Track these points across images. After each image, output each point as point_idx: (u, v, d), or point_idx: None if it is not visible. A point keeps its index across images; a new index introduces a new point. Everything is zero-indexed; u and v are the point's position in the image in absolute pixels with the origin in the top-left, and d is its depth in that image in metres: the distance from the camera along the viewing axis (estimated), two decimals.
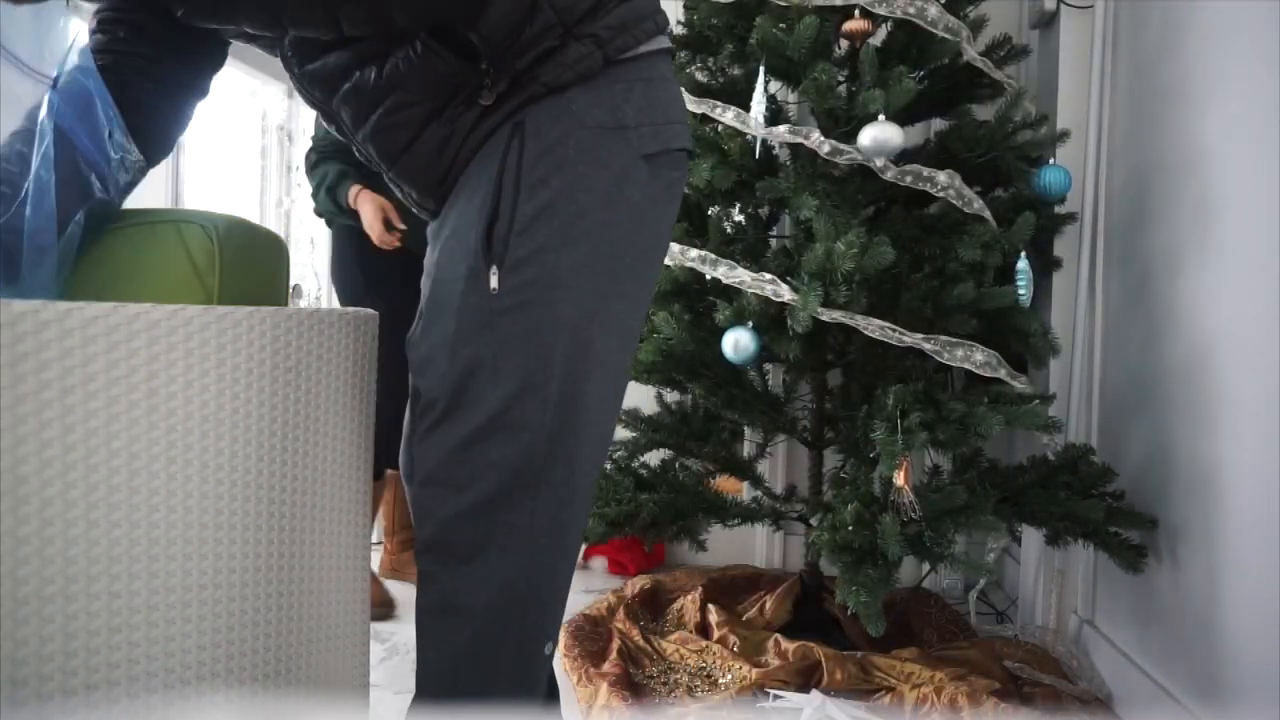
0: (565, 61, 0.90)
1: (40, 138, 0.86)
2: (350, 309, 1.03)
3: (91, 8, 1.01)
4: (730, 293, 1.74)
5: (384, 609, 2.14)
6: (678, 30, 2.03)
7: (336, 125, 1.01)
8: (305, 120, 2.95)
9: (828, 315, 1.65)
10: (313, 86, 0.97)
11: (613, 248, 0.92)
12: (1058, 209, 1.92)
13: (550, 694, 1.03)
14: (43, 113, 0.87)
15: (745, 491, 2.33)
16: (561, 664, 1.81)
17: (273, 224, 3.03)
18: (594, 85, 0.92)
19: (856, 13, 1.74)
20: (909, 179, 1.73)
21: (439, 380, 0.91)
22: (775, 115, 1.86)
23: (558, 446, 0.91)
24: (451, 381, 0.90)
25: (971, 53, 1.82)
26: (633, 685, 1.69)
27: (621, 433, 2.10)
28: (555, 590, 0.95)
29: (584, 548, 2.47)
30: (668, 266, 1.85)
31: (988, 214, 1.75)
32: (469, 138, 0.93)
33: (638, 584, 2.21)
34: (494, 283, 0.89)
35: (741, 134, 1.81)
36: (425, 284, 0.96)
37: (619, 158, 0.92)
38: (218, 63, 1.08)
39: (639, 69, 0.95)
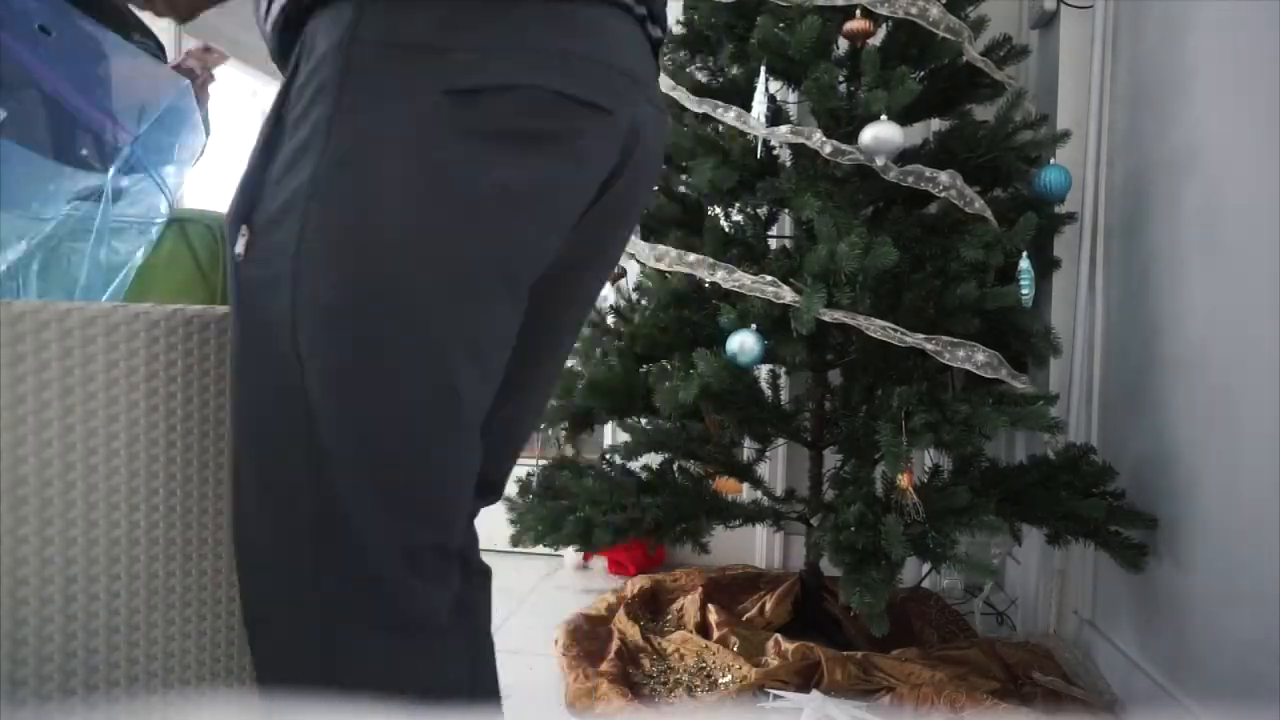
0: None
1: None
2: None
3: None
4: (733, 295, 1.74)
5: None
6: (677, 30, 2.03)
7: None
8: None
9: (829, 316, 1.64)
10: None
11: (380, 218, 0.65)
12: (1058, 209, 1.91)
13: None
14: (112, 170, 0.88)
15: (745, 492, 2.33)
16: (560, 663, 1.81)
17: None
18: None
19: (858, 13, 1.73)
20: (911, 179, 1.72)
21: None
22: (776, 115, 1.86)
23: None
24: None
25: (972, 53, 1.82)
26: (632, 685, 1.69)
27: (620, 434, 2.10)
28: None
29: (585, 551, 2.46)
30: (664, 274, 1.83)
31: (989, 214, 1.75)
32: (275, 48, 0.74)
33: (638, 584, 2.21)
34: (239, 247, 0.68)
35: (743, 134, 1.80)
36: None
37: (406, 88, 0.65)
38: None
39: None
